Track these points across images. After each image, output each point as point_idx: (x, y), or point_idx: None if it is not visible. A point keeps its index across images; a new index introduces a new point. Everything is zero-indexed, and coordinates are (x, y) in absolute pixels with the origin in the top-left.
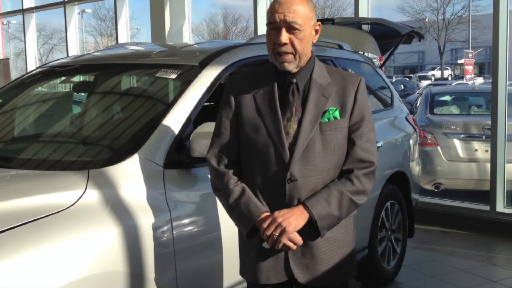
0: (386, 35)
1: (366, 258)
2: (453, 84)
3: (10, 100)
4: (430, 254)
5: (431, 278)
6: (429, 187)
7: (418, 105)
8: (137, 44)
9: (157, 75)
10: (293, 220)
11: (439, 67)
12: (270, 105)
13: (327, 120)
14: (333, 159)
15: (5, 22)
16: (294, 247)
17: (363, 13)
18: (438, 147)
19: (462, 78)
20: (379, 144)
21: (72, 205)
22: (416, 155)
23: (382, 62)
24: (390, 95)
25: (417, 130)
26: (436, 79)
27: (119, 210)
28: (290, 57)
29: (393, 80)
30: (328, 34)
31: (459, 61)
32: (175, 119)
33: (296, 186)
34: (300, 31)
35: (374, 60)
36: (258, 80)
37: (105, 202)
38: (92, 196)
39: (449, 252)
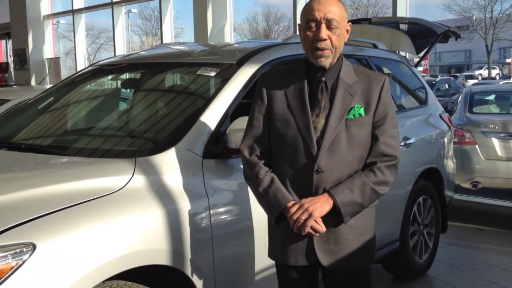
0: (422, 34)
1: (397, 250)
2: (500, 83)
3: (63, 96)
4: (463, 250)
5: (464, 273)
6: (466, 185)
7: (457, 103)
8: (180, 44)
9: (198, 72)
10: (319, 206)
11: (486, 66)
12: (300, 102)
13: (352, 117)
14: (357, 153)
15: (54, 22)
16: (317, 234)
17: (401, 12)
18: (477, 145)
19: (510, 77)
20: (411, 140)
21: (121, 188)
22: (451, 153)
23: (417, 60)
24: (424, 93)
25: (451, 128)
26: (483, 78)
27: (162, 195)
28: (327, 52)
29: (438, 79)
30: (365, 34)
31: (508, 60)
32: (213, 114)
33: (322, 177)
34: (337, 28)
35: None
36: (289, 78)
37: (150, 187)
38: (139, 181)
39: (483, 248)
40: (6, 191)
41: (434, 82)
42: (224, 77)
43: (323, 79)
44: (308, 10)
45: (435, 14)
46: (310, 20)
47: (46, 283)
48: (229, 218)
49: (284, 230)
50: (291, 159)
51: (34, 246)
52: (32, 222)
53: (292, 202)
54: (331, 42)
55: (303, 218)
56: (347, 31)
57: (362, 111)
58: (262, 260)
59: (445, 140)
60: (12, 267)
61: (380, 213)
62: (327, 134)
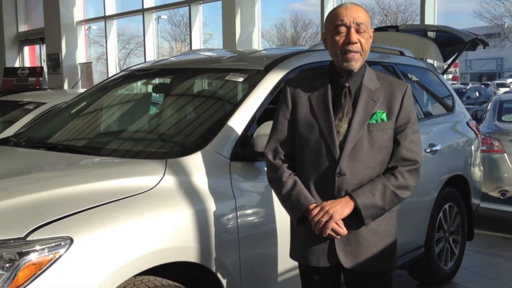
0: (450, 42)
1: (422, 257)
2: None
3: (97, 100)
4: (491, 258)
5: (490, 281)
6: (495, 194)
7: (486, 112)
8: (209, 50)
9: (226, 78)
10: (339, 208)
11: None
12: (323, 106)
13: (374, 122)
14: (379, 157)
15: (87, 28)
16: (338, 236)
17: (429, 19)
18: (505, 154)
19: None
20: (437, 147)
21: (152, 188)
22: (478, 160)
23: (445, 68)
24: (451, 101)
25: (479, 136)
26: None
27: (191, 195)
28: (358, 55)
29: (468, 87)
30: (392, 41)
31: None
32: (241, 118)
33: (344, 180)
34: (365, 32)
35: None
36: (314, 83)
37: (179, 187)
38: (169, 181)
39: (510, 257)
40: (45, 188)
41: (464, 90)
42: (252, 83)
43: (347, 84)
44: (335, 16)
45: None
46: (339, 25)
47: (82, 275)
48: (255, 220)
49: (306, 231)
50: (314, 163)
51: (72, 240)
52: (70, 218)
53: (314, 205)
54: (361, 45)
55: (324, 220)
56: (370, 36)
57: (384, 116)
58: (286, 261)
59: (472, 147)
60: (50, 260)
61: (405, 219)
62: (350, 138)
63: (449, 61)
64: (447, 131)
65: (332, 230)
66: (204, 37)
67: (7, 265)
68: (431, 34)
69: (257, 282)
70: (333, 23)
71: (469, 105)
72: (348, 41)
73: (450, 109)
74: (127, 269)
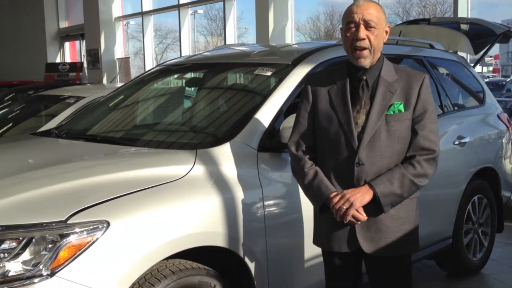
0: (481, 35)
1: (450, 248)
2: None
3: (133, 94)
4: None
5: None
6: None
7: None
8: (241, 45)
9: (255, 72)
10: (359, 196)
11: None
12: (342, 99)
13: (392, 113)
14: (396, 147)
15: (125, 23)
16: (358, 222)
17: (462, 10)
18: None
19: None
20: (466, 139)
21: (183, 176)
22: (509, 153)
23: (476, 60)
24: (482, 93)
25: (510, 128)
26: None
27: (220, 183)
28: (366, 52)
29: (508, 79)
30: (424, 34)
31: None
32: (268, 111)
33: (363, 169)
34: (375, 28)
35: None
36: (333, 77)
37: (209, 176)
38: (199, 170)
39: None
40: (84, 175)
41: (504, 83)
42: (280, 77)
43: (364, 77)
44: (347, 13)
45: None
46: (349, 22)
47: (117, 257)
48: (281, 209)
49: (328, 219)
50: (334, 153)
51: (108, 224)
52: (107, 203)
53: (334, 193)
54: (370, 41)
55: (345, 207)
56: (386, 32)
57: (401, 107)
58: (311, 249)
59: (503, 140)
60: (88, 242)
61: (432, 210)
62: (368, 129)
63: (481, 53)
64: (477, 124)
65: (353, 216)
66: (239, 31)
67: (50, 246)
68: (464, 26)
69: (283, 268)
70: (345, 20)
71: (509, 98)
72: (356, 38)
73: (480, 102)
74: (159, 252)
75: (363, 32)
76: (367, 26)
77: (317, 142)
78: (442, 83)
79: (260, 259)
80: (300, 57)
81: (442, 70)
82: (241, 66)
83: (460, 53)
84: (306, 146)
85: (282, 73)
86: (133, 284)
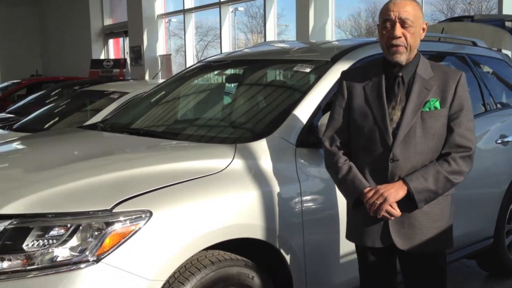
0: None
1: (491, 248)
2: None
3: (175, 90)
4: None
5: None
6: None
7: None
8: (281, 42)
9: (294, 69)
10: (393, 191)
11: None
12: (377, 95)
13: (428, 110)
14: (432, 144)
15: (167, 21)
16: (392, 218)
17: (508, 8)
18: None
19: None
20: (509, 139)
21: (223, 169)
22: None
23: None
24: None
25: None
26: None
27: (258, 177)
28: (402, 49)
29: None
30: (468, 31)
31: None
32: (307, 107)
33: (397, 165)
34: (411, 27)
35: None
36: (368, 74)
37: (247, 170)
38: (238, 164)
39: None
40: (128, 167)
41: None
42: (319, 73)
43: (400, 74)
44: (384, 10)
45: None
46: (386, 20)
47: (159, 245)
48: (319, 205)
49: (361, 214)
50: (368, 149)
51: (151, 213)
52: (150, 194)
53: (368, 188)
54: (406, 39)
55: (378, 202)
56: (423, 29)
57: (437, 104)
58: (348, 245)
59: None
60: (132, 230)
61: (472, 209)
62: (403, 125)
63: None
64: None
65: (386, 211)
66: (279, 28)
67: (96, 233)
68: (508, 24)
69: (320, 263)
70: (381, 18)
71: None
72: (392, 36)
73: None
74: (198, 243)
75: (399, 30)
76: (403, 24)
77: (352, 138)
78: (485, 81)
79: (297, 253)
80: (340, 54)
81: (486, 68)
82: (281, 62)
83: (504, 51)
84: (340, 141)
85: (321, 69)
86: (174, 272)
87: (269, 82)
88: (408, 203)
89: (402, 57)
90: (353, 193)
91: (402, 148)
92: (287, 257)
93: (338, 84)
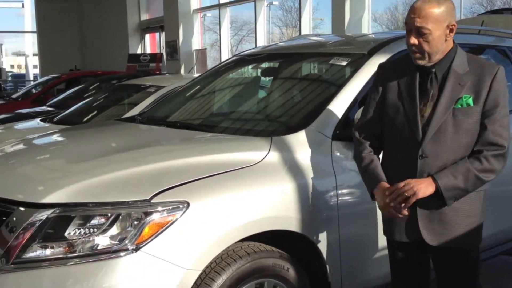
0: None
1: None
2: None
3: (210, 83)
4: None
5: None
6: None
7: None
8: (316, 35)
9: (331, 62)
10: (423, 187)
11: None
12: (410, 91)
13: (460, 106)
14: (463, 141)
15: (202, 16)
16: (400, 215)
17: None
18: None
19: None
20: None
21: (259, 162)
22: None
23: None
24: None
25: None
26: None
27: (294, 170)
28: (418, 55)
29: None
30: (509, 24)
31: None
32: (343, 100)
33: (426, 162)
34: (428, 34)
35: None
36: (403, 68)
37: (283, 162)
38: (274, 157)
39: None
40: (166, 159)
41: None
42: (355, 67)
43: (433, 70)
44: (408, 11)
45: None
46: (405, 23)
47: (196, 236)
48: (355, 198)
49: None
50: (399, 144)
51: (188, 204)
52: (187, 185)
53: (382, 184)
54: (421, 47)
55: (407, 195)
56: (451, 29)
57: (470, 101)
58: (383, 239)
59: None
60: (170, 221)
61: (510, 205)
62: (433, 122)
63: None
64: None
65: (394, 208)
66: (314, 22)
67: (135, 222)
68: None
69: (356, 257)
70: (405, 18)
71: None
72: (407, 42)
73: None
74: (234, 234)
75: (412, 39)
76: (419, 32)
77: (384, 133)
78: None
79: (333, 246)
80: (376, 47)
81: None
82: (317, 56)
83: None
84: (369, 133)
85: (357, 63)
86: (210, 262)
87: (305, 75)
88: (437, 200)
89: (422, 62)
90: (369, 184)
91: (431, 145)
92: (323, 250)
93: (374, 78)
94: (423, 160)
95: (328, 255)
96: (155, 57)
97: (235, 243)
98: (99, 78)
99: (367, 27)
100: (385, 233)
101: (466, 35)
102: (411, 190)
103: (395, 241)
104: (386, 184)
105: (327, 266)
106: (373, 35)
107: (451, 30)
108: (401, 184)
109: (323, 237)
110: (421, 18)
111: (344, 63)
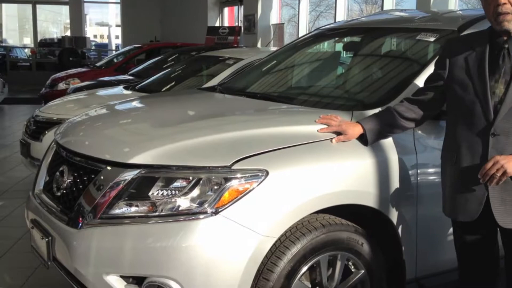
0: None
1: None
2: None
3: (290, 57)
4: None
5: None
6: None
7: None
8: (401, 10)
9: (417, 38)
10: None
11: None
12: (479, 67)
13: None
14: None
15: None
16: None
17: None
18: None
19: None
20: None
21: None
22: None
23: None
24: None
25: None
26: None
27: (374, 146)
28: (509, 16)
29: None
30: None
31: None
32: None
33: (498, 140)
34: None
35: None
36: (472, 44)
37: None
38: None
39: None
40: (247, 127)
41: None
42: (443, 43)
43: (506, 45)
44: None
45: None
46: None
47: (272, 204)
48: (434, 178)
49: (453, 187)
50: (467, 122)
51: (267, 173)
52: (266, 154)
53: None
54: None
55: (498, 175)
56: None
57: None
58: None
59: None
60: (248, 188)
61: None
62: (507, 101)
63: None
64: None
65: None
66: None
67: (215, 187)
68: None
69: (432, 238)
70: None
71: None
72: (496, 3)
73: None
74: (311, 205)
75: None
76: None
77: (449, 110)
78: None
79: (409, 225)
80: (467, 24)
81: None
82: (402, 31)
83: None
84: (421, 107)
85: (446, 39)
86: (285, 231)
87: (389, 51)
88: None
89: (511, 25)
90: None
91: (504, 123)
92: (399, 228)
93: (440, 53)
94: (494, 138)
95: (403, 234)
96: (234, 30)
97: (311, 214)
98: (178, 49)
99: (454, 3)
100: (448, 213)
101: None
102: (502, 169)
103: (459, 221)
104: None
105: (403, 246)
106: (460, 12)
107: None
108: (489, 163)
109: (400, 215)
110: None
111: (432, 39)
